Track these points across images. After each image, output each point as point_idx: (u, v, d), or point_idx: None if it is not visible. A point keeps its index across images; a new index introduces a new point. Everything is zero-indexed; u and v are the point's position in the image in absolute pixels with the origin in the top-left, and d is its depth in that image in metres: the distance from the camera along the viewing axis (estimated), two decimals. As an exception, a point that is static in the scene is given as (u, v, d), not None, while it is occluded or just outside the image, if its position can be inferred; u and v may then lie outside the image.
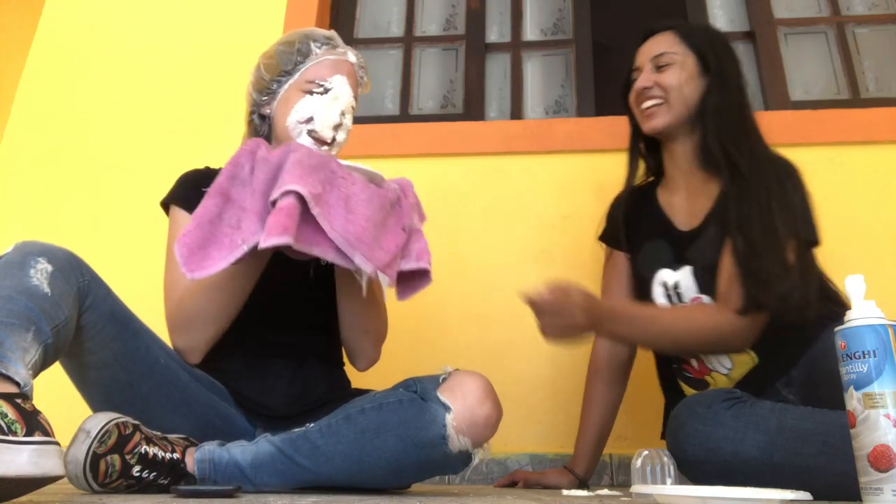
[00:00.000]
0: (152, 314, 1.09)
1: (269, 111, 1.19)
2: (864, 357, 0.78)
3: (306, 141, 1.15)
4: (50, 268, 0.83)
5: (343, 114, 1.16)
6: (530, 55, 2.15)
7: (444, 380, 0.96)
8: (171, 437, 0.94)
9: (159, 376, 0.99)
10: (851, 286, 0.83)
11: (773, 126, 1.25)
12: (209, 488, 0.85)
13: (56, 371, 0.92)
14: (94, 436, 0.81)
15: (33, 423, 0.66)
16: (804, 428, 0.98)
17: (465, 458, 0.94)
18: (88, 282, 0.91)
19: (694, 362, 1.24)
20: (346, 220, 0.93)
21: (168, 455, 0.88)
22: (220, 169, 1.21)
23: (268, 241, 0.86)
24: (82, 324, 0.90)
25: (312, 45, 1.18)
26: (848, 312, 0.82)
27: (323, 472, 0.92)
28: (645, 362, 1.40)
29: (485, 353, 1.70)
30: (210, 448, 0.93)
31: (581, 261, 1.73)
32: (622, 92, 1.37)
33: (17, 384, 0.70)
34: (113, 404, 0.93)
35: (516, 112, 2.07)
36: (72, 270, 0.87)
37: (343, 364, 1.26)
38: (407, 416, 0.91)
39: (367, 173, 1.03)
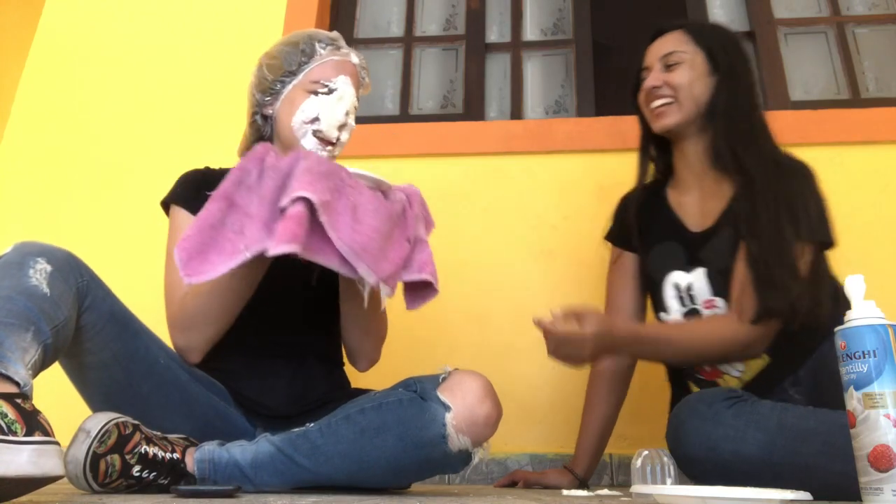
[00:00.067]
0: (152, 314, 1.09)
1: (271, 111, 1.19)
2: (864, 357, 0.78)
3: (311, 141, 1.15)
4: (49, 268, 0.83)
5: (347, 114, 1.17)
6: (530, 55, 2.15)
7: (444, 379, 0.96)
8: (171, 437, 0.94)
9: (159, 376, 0.99)
10: (851, 286, 0.83)
11: (773, 126, 1.25)
12: (209, 488, 0.85)
13: (56, 371, 0.92)
14: (94, 436, 0.81)
15: (33, 423, 0.66)
16: (804, 427, 0.98)
17: (464, 458, 0.94)
18: (87, 282, 0.91)
19: (706, 366, 1.23)
20: (353, 230, 0.92)
21: (168, 455, 0.88)
22: (220, 169, 1.22)
23: (277, 248, 0.86)
24: (82, 324, 0.90)
25: (317, 46, 1.18)
26: (848, 312, 0.82)
27: (323, 471, 0.92)
28: (646, 363, 1.40)
29: (485, 353, 1.70)
30: (210, 448, 0.93)
31: (581, 261, 1.73)
32: (631, 92, 1.36)
33: (17, 384, 0.70)
34: (112, 404, 0.93)
35: (516, 112, 2.07)
36: (71, 271, 0.87)
37: (343, 364, 1.26)
38: (407, 415, 0.91)
39: (374, 181, 1.02)
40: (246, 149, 1.26)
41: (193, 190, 1.14)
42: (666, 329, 1.22)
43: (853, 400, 0.79)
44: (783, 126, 1.27)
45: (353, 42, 2.18)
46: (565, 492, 1.10)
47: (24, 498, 0.71)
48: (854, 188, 1.71)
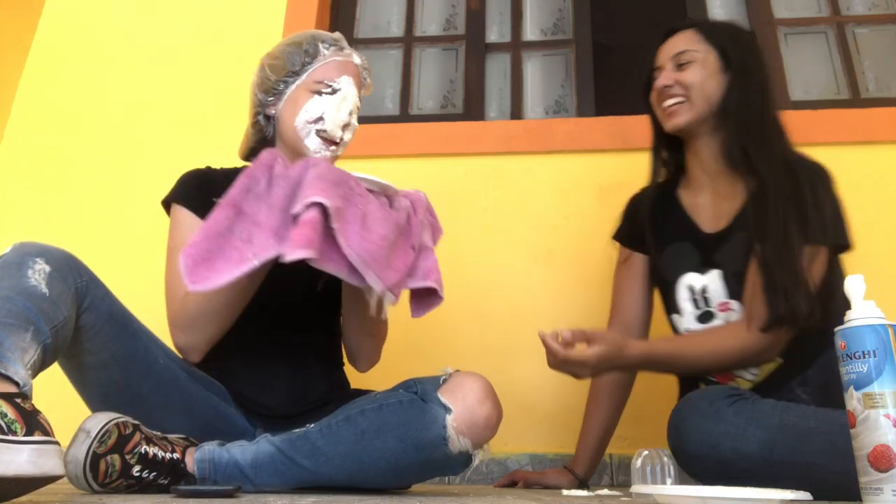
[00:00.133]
0: (152, 314, 1.09)
1: (274, 111, 1.19)
2: (864, 357, 0.78)
3: (315, 141, 1.15)
4: (48, 268, 0.83)
5: (351, 114, 1.17)
6: (530, 55, 2.15)
7: (445, 381, 0.96)
8: (171, 437, 0.94)
9: (158, 376, 0.99)
10: (851, 286, 0.83)
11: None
12: (209, 488, 0.85)
13: (56, 371, 0.92)
14: (94, 436, 0.81)
15: (33, 423, 0.66)
16: (805, 426, 0.98)
17: (465, 459, 0.94)
18: (86, 282, 0.91)
19: None
20: (362, 238, 0.92)
21: (168, 455, 0.88)
22: (221, 169, 1.22)
23: (293, 253, 0.85)
24: (81, 324, 0.90)
25: (320, 46, 1.18)
26: (848, 312, 0.82)
27: (323, 472, 0.92)
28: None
29: (485, 354, 1.70)
30: (210, 448, 0.93)
31: (581, 261, 1.73)
32: (643, 91, 1.35)
33: (17, 384, 0.70)
34: (112, 405, 0.93)
35: (516, 112, 2.07)
36: (69, 271, 0.87)
37: (343, 364, 1.26)
38: (407, 416, 0.91)
39: (380, 185, 1.02)
40: (247, 149, 1.26)
41: (194, 189, 1.15)
42: (677, 344, 1.19)
43: (853, 400, 0.79)
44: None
45: (353, 42, 2.18)
46: (565, 492, 1.10)
47: (24, 498, 0.71)
48: (854, 188, 1.70)
